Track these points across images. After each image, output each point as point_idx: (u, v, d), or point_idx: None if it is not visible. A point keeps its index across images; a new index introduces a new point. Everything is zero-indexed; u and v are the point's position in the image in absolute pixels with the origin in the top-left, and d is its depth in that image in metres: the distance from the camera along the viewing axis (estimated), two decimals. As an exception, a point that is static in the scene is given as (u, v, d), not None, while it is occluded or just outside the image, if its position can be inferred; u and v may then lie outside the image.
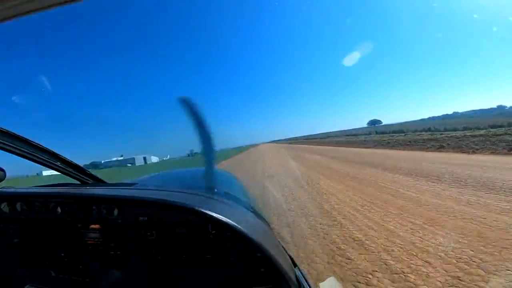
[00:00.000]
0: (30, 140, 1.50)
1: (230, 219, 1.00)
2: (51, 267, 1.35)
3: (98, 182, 1.89)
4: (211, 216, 1.00)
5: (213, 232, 1.15)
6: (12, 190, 1.46)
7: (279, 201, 6.77)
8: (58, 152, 1.66)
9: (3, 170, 1.52)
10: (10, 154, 1.43)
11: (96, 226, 1.24)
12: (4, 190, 1.46)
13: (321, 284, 1.25)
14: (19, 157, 1.47)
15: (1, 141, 1.37)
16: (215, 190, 1.66)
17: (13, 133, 1.41)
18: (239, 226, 0.99)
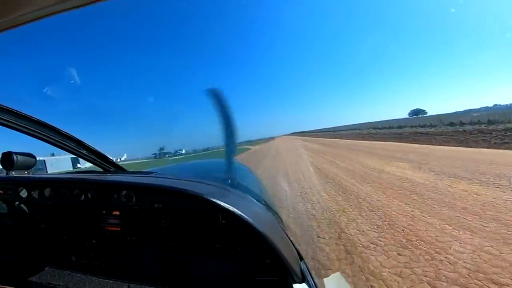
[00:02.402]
0: (59, 129, 1.60)
1: (239, 210, 1.03)
2: (72, 252, 1.44)
3: (119, 170, 1.98)
4: (220, 206, 1.03)
5: (223, 222, 1.20)
6: (42, 176, 1.56)
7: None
8: (83, 141, 1.77)
9: (34, 157, 1.63)
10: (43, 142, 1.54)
11: (116, 212, 1.31)
12: (34, 176, 1.57)
13: (325, 279, 1.26)
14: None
15: (34, 129, 1.48)
16: (229, 181, 1.71)
17: (45, 122, 1.52)
18: (247, 217, 1.01)
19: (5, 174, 1.50)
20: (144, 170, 2.22)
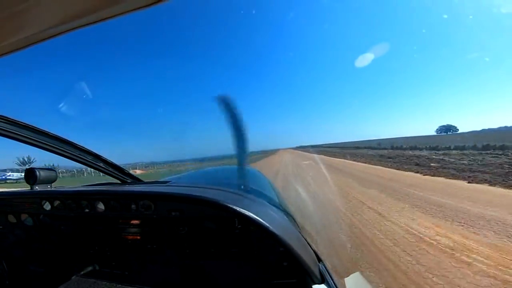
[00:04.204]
0: (76, 143, 1.66)
1: (254, 214, 1.04)
2: (96, 261, 1.48)
3: (136, 180, 2.03)
4: (235, 211, 1.04)
5: (239, 226, 1.21)
6: (63, 189, 1.62)
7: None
8: (100, 154, 1.82)
9: (55, 171, 1.70)
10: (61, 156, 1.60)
11: (135, 221, 1.35)
12: (56, 189, 1.63)
13: (346, 279, 1.24)
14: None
15: (53, 145, 1.54)
16: (242, 187, 1.72)
17: (62, 137, 1.58)
18: (263, 221, 1.02)
19: (29, 188, 1.57)
20: (160, 180, 2.26)
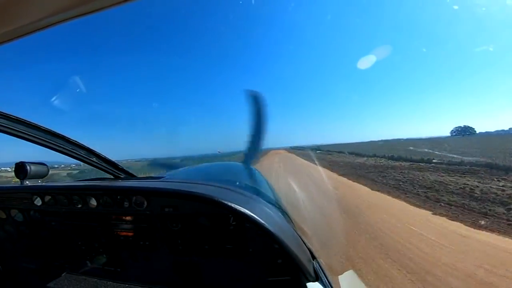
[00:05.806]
0: (68, 137, 1.63)
1: (249, 211, 1.03)
2: (88, 258, 1.47)
3: (130, 176, 2.01)
4: (230, 207, 1.03)
5: (234, 223, 1.20)
6: (54, 184, 1.59)
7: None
8: (93, 149, 1.79)
9: (46, 165, 1.66)
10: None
11: (128, 217, 1.33)
12: (48, 184, 1.60)
13: (339, 277, 1.25)
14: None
15: (44, 139, 1.51)
16: (237, 183, 1.71)
17: (54, 131, 1.55)
18: (257, 218, 1.02)
19: (19, 183, 1.53)
20: (154, 175, 2.24)
